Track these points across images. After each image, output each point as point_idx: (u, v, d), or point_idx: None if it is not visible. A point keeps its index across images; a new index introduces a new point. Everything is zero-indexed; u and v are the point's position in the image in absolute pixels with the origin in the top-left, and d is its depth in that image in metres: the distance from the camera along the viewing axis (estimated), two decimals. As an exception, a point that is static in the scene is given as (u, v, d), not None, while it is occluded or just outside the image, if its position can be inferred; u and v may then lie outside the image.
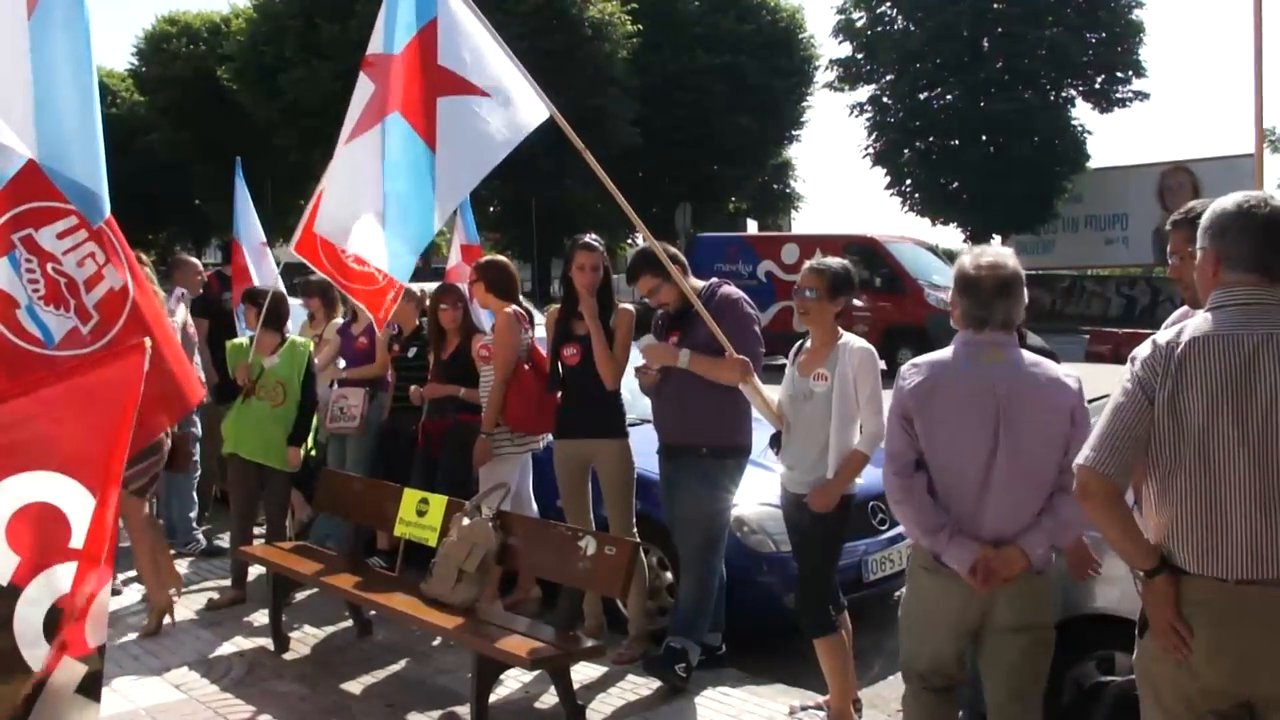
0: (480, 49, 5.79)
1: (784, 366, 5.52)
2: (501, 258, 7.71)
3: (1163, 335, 3.24)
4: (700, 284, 6.15)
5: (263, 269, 9.88)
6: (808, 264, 5.42)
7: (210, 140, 38.50)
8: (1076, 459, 3.26)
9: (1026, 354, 4.12)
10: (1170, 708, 3.24)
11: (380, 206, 5.88)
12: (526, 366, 7.07)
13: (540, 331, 7.30)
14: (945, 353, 4.15)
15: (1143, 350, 3.24)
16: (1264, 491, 3.06)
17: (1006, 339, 4.10)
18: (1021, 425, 3.97)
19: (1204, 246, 3.27)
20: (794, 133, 45.06)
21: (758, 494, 6.51)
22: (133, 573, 8.11)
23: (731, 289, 6.13)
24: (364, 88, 6.02)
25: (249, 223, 10.18)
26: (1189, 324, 3.21)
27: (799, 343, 5.53)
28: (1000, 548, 3.99)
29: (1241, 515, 3.07)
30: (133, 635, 6.93)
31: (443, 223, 5.85)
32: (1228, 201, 3.24)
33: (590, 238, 6.65)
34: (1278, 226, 3.18)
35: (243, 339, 7.82)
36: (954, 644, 4.16)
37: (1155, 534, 3.24)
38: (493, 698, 5.62)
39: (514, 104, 5.75)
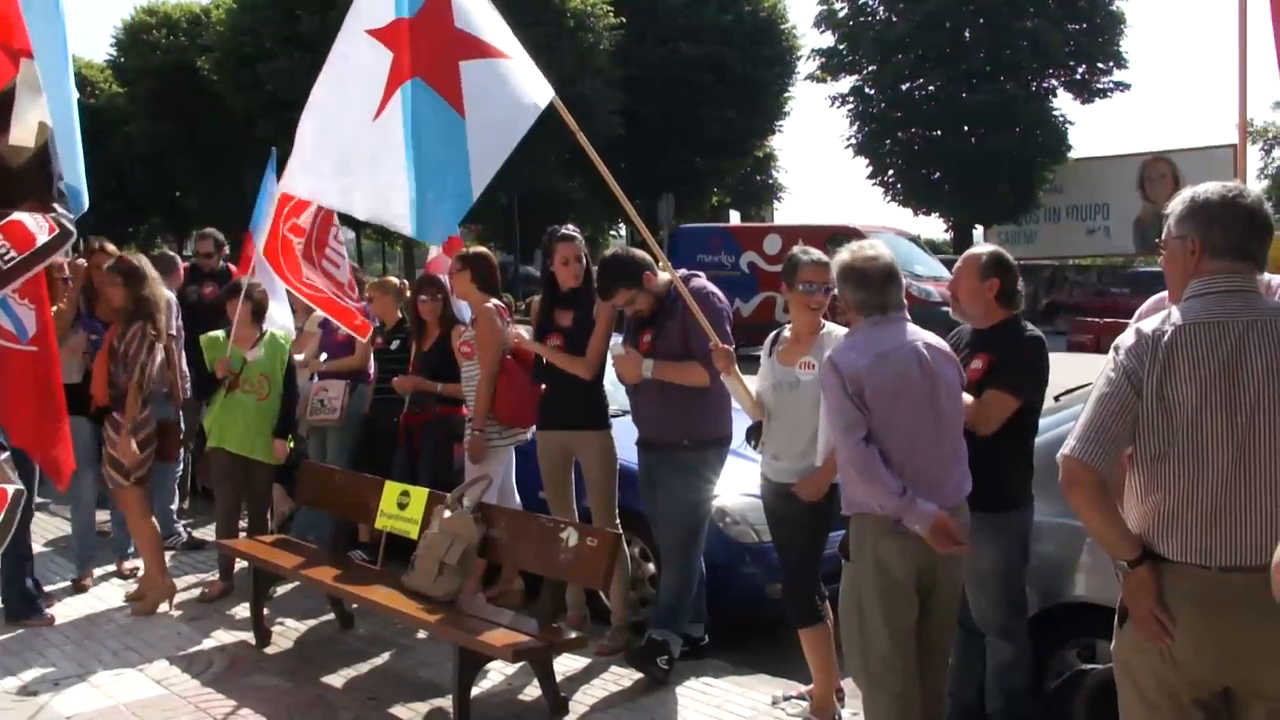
0: (491, 16, 5.72)
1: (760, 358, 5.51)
2: (485, 250, 7.68)
3: (1147, 324, 3.23)
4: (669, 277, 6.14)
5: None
6: (816, 258, 5.28)
7: (190, 132, 38.27)
8: (1061, 449, 3.26)
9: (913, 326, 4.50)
10: (1152, 699, 3.24)
11: (404, 175, 5.66)
12: (510, 358, 7.05)
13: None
14: (869, 337, 4.39)
15: (1127, 339, 3.24)
16: (1250, 479, 3.07)
17: (904, 317, 4.49)
18: (945, 391, 4.36)
19: (1183, 235, 3.27)
20: (777, 124, 44.98)
21: (740, 485, 6.50)
22: (111, 566, 8.09)
23: (702, 282, 6.11)
24: (377, 56, 5.72)
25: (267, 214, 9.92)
26: (1172, 311, 3.21)
27: (775, 332, 5.53)
28: (952, 510, 4.28)
29: (1227, 503, 3.08)
30: (113, 628, 6.90)
31: (481, 189, 5.62)
32: (1209, 192, 3.25)
33: (568, 228, 6.63)
34: (1260, 215, 3.22)
35: (218, 333, 7.78)
36: (914, 606, 4.35)
37: (1138, 523, 3.24)
38: (475, 690, 5.62)
39: (533, 72, 5.68)
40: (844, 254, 4.53)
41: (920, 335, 4.44)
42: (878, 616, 4.31)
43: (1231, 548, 3.08)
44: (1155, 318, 3.25)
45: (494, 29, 5.66)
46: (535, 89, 5.62)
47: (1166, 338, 3.13)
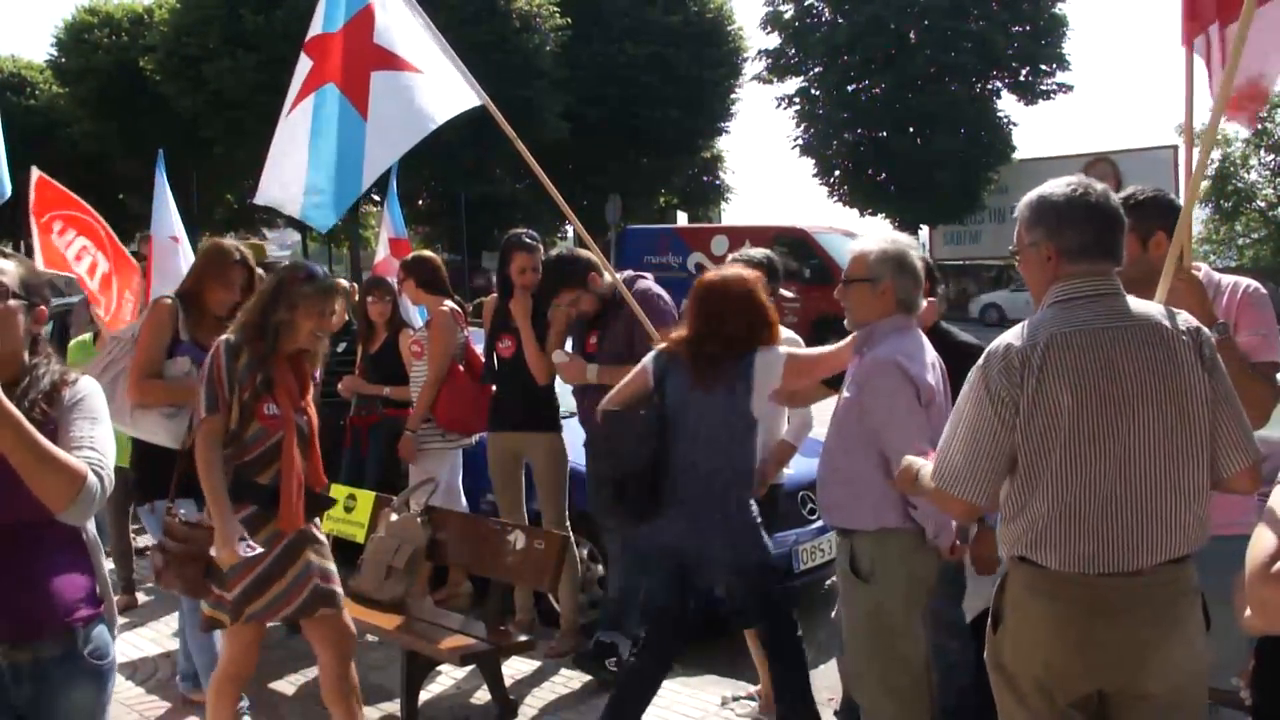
0: (413, 32, 5.99)
1: None
2: (428, 253, 7.64)
3: (1013, 338, 3.06)
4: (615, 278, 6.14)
5: (167, 267, 9.18)
6: (731, 257, 5.40)
7: (133, 133, 37.75)
8: (941, 483, 3.16)
9: None
10: (1032, 703, 3.12)
11: (304, 163, 6.01)
12: (461, 367, 7.03)
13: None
14: (913, 341, 4.18)
15: (994, 358, 3.06)
16: (1130, 485, 2.98)
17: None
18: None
19: (1035, 242, 3.14)
20: (723, 125, 45.12)
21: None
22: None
23: (647, 284, 6.13)
24: (303, 65, 6.14)
25: (161, 217, 9.77)
26: (1039, 323, 3.07)
27: None
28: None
29: (1109, 510, 2.98)
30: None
31: (371, 181, 6.00)
32: (1054, 194, 3.12)
33: (528, 236, 6.60)
34: (1111, 211, 3.12)
35: (85, 336, 7.68)
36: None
37: (1013, 538, 3.12)
38: (424, 694, 5.60)
39: (446, 85, 5.86)
40: (888, 244, 4.25)
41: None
42: (910, 634, 4.16)
43: (1113, 554, 2.99)
44: (1016, 330, 3.09)
45: (412, 45, 6.01)
46: (446, 100, 5.95)
47: (1040, 351, 2.99)
